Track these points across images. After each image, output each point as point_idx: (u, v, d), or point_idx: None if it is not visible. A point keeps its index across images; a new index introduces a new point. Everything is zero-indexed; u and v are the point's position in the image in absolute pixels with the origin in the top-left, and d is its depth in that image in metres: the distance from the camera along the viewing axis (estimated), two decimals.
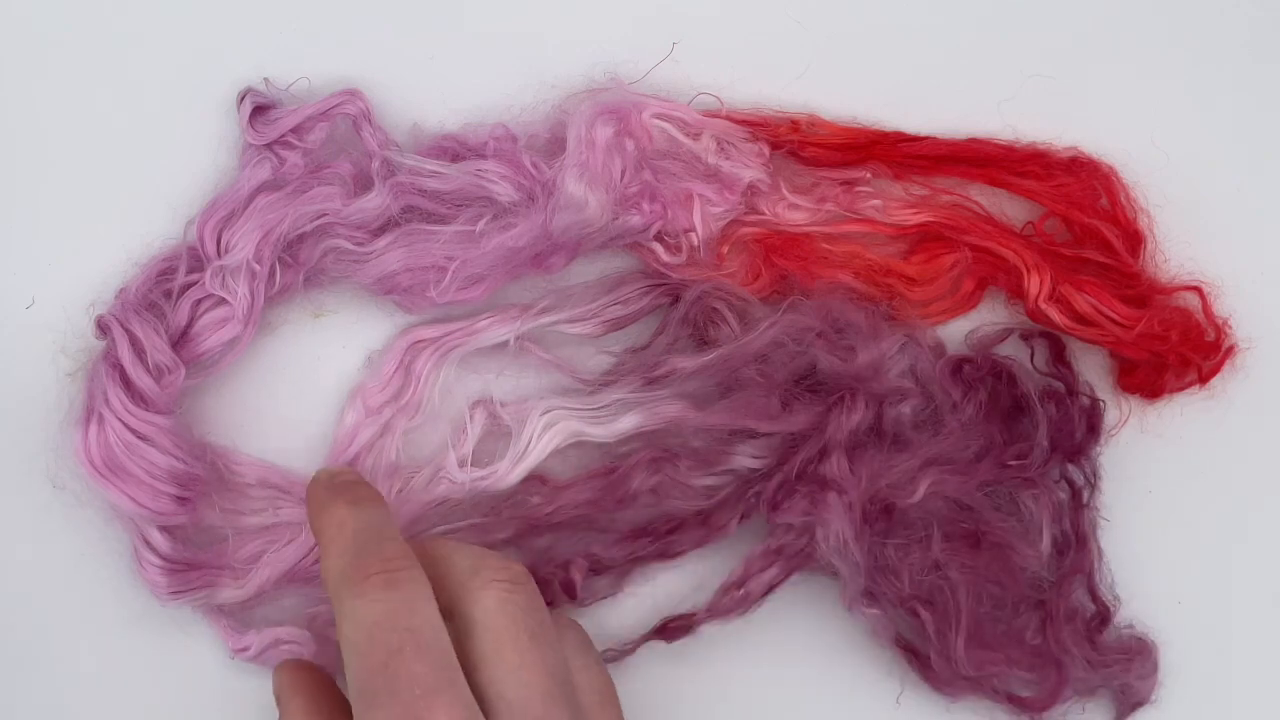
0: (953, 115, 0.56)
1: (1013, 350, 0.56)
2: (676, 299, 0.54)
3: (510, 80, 0.54)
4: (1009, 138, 0.56)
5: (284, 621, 0.53)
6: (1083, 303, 0.54)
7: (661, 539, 0.53)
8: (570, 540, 0.53)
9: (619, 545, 0.53)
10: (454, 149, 0.54)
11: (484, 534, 0.53)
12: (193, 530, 0.52)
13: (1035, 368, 0.56)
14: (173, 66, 0.53)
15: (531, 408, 0.53)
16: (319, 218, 0.53)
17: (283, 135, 0.53)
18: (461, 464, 0.53)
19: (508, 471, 0.53)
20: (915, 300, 0.55)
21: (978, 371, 0.54)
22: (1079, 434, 0.55)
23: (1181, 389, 0.56)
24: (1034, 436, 0.53)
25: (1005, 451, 0.53)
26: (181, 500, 0.51)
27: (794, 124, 0.55)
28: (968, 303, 0.56)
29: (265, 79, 0.53)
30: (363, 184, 0.53)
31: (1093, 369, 0.56)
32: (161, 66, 0.53)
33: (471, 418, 0.53)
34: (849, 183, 0.55)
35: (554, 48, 0.54)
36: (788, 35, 0.56)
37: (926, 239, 0.55)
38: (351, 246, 0.53)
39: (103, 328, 0.51)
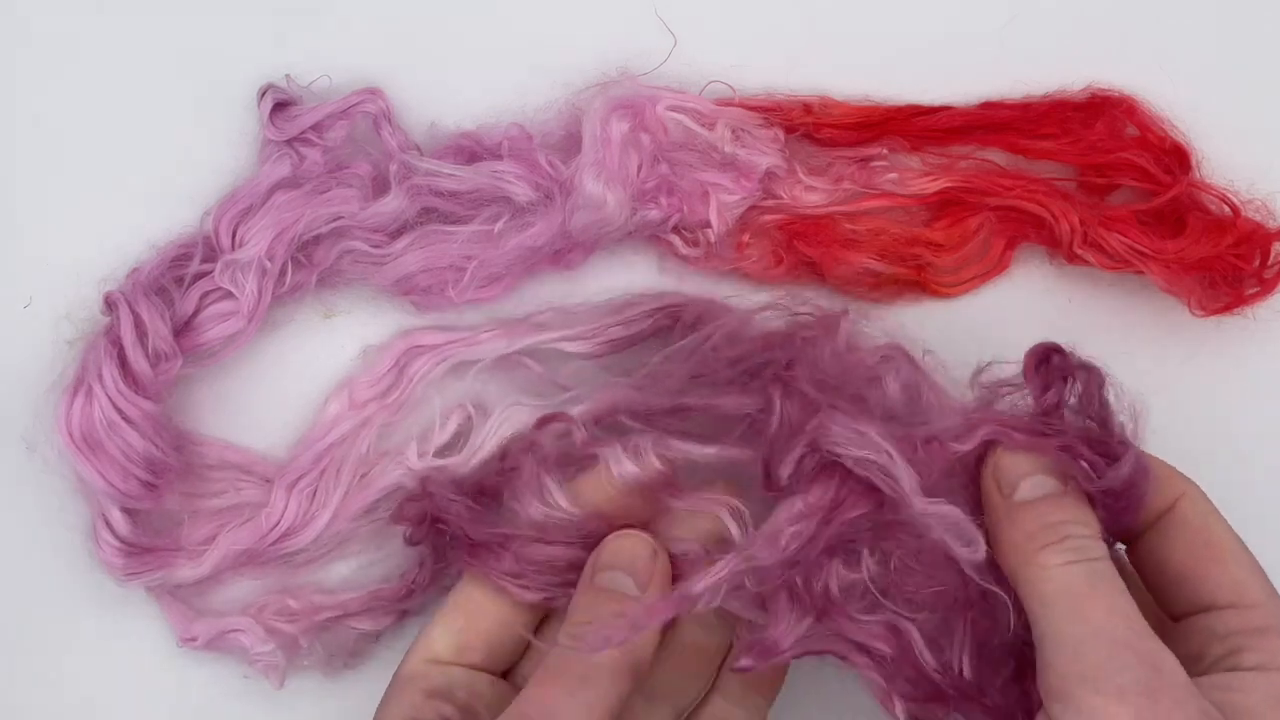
0: (966, 82, 0.54)
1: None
2: (678, 320, 0.52)
3: (525, 76, 0.54)
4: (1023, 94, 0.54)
5: (234, 611, 0.52)
6: (1115, 242, 0.51)
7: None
8: None
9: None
10: (471, 148, 0.53)
11: None
12: (152, 514, 0.52)
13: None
14: (199, 61, 0.54)
15: (496, 405, 0.53)
16: (335, 220, 0.52)
17: (303, 132, 0.53)
18: (422, 455, 0.52)
19: (463, 464, 0.52)
20: (945, 267, 0.53)
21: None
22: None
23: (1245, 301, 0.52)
24: None
25: None
26: (150, 486, 0.50)
27: (806, 107, 0.53)
28: (999, 265, 0.54)
29: (287, 75, 0.53)
30: (381, 185, 0.53)
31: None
32: (187, 60, 0.54)
33: (445, 420, 0.53)
34: (864, 160, 0.53)
35: (566, 42, 0.54)
36: (792, 17, 0.55)
37: (949, 204, 0.53)
38: (369, 249, 0.53)
39: (110, 304, 0.51)
